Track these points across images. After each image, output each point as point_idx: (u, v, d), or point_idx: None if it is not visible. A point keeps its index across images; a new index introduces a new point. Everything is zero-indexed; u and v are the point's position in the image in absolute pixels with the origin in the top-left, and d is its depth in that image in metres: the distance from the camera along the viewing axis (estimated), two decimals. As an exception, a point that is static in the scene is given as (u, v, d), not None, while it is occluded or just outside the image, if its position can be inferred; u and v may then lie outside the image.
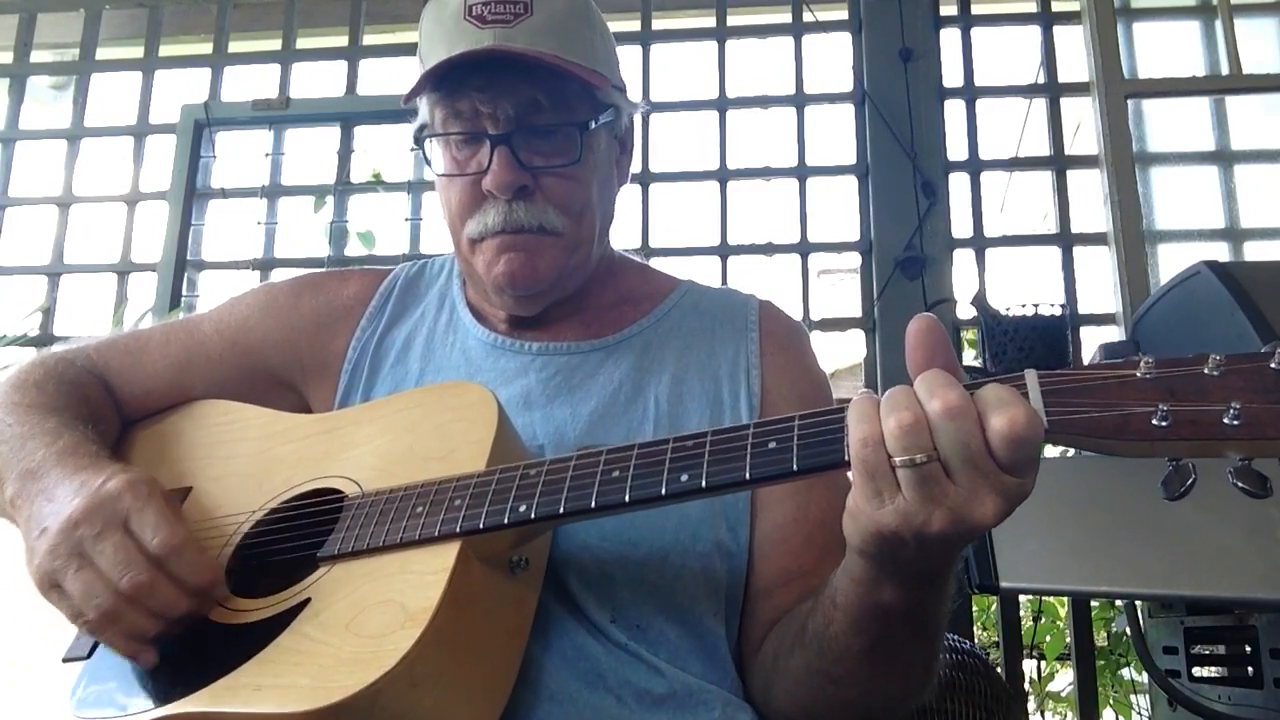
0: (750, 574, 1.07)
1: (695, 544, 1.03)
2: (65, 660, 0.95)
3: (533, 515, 0.84)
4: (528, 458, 0.99)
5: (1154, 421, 0.66)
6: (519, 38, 1.06)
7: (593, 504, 0.82)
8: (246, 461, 1.11)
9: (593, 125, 1.13)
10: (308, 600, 0.88)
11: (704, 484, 0.79)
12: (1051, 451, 2.56)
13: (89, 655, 0.95)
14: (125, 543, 0.88)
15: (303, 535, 0.96)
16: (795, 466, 0.76)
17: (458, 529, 0.85)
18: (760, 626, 1.05)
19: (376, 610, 0.83)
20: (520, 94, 1.08)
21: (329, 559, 0.91)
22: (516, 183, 1.09)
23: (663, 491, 0.80)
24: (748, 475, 0.78)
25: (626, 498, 0.81)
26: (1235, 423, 0.64)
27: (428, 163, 1.17)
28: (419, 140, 1.16)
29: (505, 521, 0.84)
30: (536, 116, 1.09)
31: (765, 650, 1.03)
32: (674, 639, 1.00)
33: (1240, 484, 0.66)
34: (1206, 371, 0.66)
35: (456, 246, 1.18)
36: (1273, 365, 0.64)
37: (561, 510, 0.84)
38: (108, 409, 1.21)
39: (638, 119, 1.26)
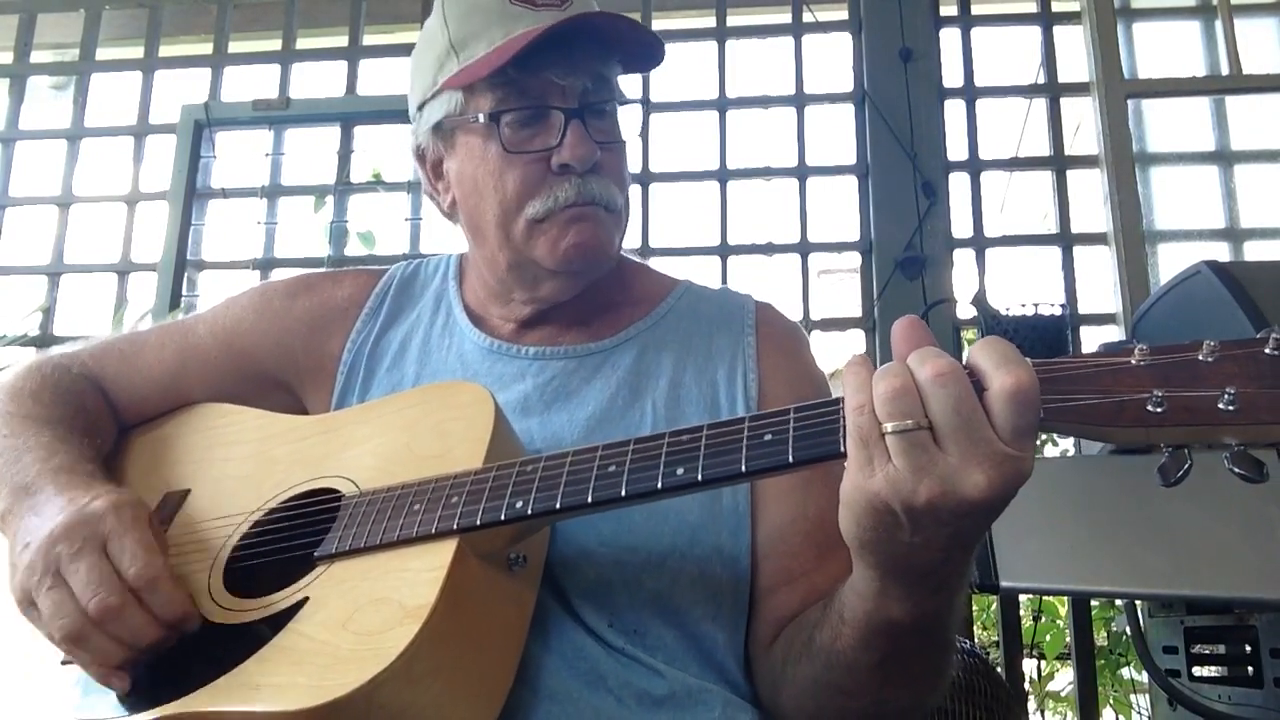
0: (752, 575, 1.06)
1: (693, 549, 1.02)
2: (64, 664, 0.95)
3: (529, 511, 0.84)
4: (524, 455, 0.99)
5: (1149, 408, 0.65)
6: (591, 11, 1.09)
7: (589, 499, 0.82)
8: (244, 463, 1.11)
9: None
10: (305, 599, 0.88)
11: (700, 477, 0.79)
12: (1051, 451, 2.57)
13: None
14: (100, 564, 0.87)
15: (300, 535, 0.96)
16: (791, 458, 0.76)
17: (455, 526, 0.85)
18: (765, 626, 1.05)
19: (374, 608, 0.82)
20: (593, 70, 1.10)
21: (326, 558, 0.91)
22: (594, 155, 1.09)
23: (659, 485, 0.80)
24: (743, 468, 0.77)
25: (623, 492, 0.81)
26: (1231, 408, 0.64)
27: (447, 151, 1.16)
28: (448, 129, 1.15)
29: (502, 518, 0.84)
30: (600, 93, 1.11)
31: (774, 654, 1.02)
32: (670, 642, 0.99)
33: (1237, 469, 0.65)
34: (1201, 358, 0.66)
35: (506, 236, 1.13)
36: (1267, 351, 0.64)
37: (558, 505, 0.83)
38: (105, 417, 1.21)
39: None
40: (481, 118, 1.11)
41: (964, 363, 0.70)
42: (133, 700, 0.87)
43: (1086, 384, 0.68)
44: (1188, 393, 0.65)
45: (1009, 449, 0.67)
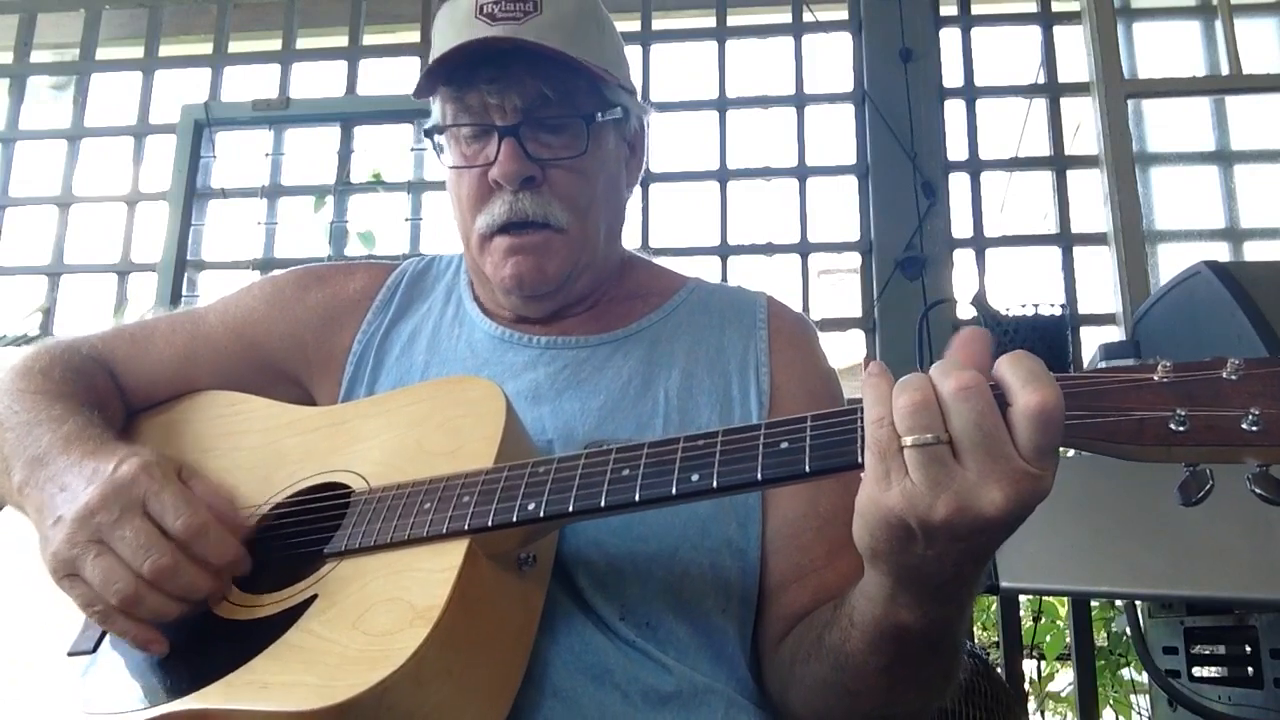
0: (763, 570, 1.07)
1: (704, 540, 1.02)
2: (71, 654, 0.95)
3: (541, 514, 0.84)
4: (535, 453, 0.99)
5: (1171, 426, 0.65)
6: (528, 33, 1.07)
7: (602, 503, 0.82)
8: (252, 454, 1.10)
9: (599, 118, 1.13)
10: (314, 596, 0.87)
11: (715, 484, 0.79)
12: (1052, 451, 2.57)
13: (94, 649, 0.94)
14: (145, 526, 0.88)
15: (310, 530, 0.96)
16: (808, 468, 0.75)
17: (466, 526, 0.85)
18: (775, 623, 1.05)
19: (384, 608, 0.82)
20: (527, 87, 1.09)
21: (336, 555, 0.90)
22: (523, 173, 1.09)
23: (673, 491, 0.80)
24: (759, 476, 0.77)
25: (636, 497, 0.81)
26: (1254, 429, 0.63)
27: (440, 155, 1.17)
28: (430, 135, 1.17)
29: (514, 520, 0.84)
30: (544, 110, 1.10)
31: (783, 652, 1.03)
32: (683, 636, 0.99)
33: (1258, 490, 0.64)
34: (1225, 376, 0.65)
35: (466, 246, 1.18)
36: None
37: (570, 509, 0.83)
38: (113, 397, 1.21)
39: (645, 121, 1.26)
40: (426, 131, 1.16)
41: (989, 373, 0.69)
42: (142, 695, 0.87)
43: (1108, 401, 0.67)
44: (1211, 412, 0.64)
45: (1030, 467, 0.66)
